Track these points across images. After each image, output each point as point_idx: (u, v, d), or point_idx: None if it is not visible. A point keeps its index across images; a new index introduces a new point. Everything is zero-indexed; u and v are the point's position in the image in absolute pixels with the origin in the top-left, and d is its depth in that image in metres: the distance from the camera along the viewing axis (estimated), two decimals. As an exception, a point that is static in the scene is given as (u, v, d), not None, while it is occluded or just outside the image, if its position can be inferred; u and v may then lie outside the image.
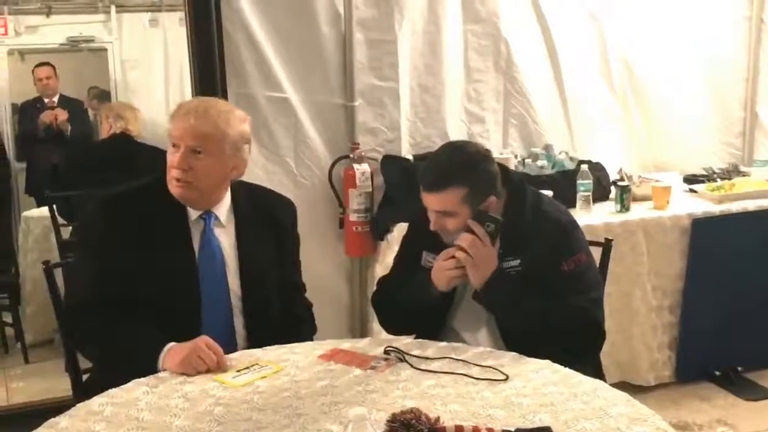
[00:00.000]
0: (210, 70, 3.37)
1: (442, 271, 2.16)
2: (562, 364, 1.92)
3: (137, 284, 2.06)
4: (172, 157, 2.10)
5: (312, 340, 2.31)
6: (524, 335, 2.11)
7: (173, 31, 5.42)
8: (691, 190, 3.95)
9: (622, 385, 3.53)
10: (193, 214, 2.17)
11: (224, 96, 3.38)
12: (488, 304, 2.18)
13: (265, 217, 2.27)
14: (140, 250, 2.08)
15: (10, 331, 4.51)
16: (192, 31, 3.39)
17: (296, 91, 3.61)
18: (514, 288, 2.14)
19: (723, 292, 3.63)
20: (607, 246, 2.54)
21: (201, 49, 3.38)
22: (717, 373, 3.73)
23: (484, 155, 2.20)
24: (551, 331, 2.10)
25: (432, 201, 2.15)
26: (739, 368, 3.74)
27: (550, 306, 2.12)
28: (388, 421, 1.47)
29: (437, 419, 1.50)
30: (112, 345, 2.05)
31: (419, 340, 2.15)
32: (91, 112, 5.86)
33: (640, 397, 3.51)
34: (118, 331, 2.04)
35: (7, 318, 4.51)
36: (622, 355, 3.60)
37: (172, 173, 2.10)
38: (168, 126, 2.12)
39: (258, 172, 3.53)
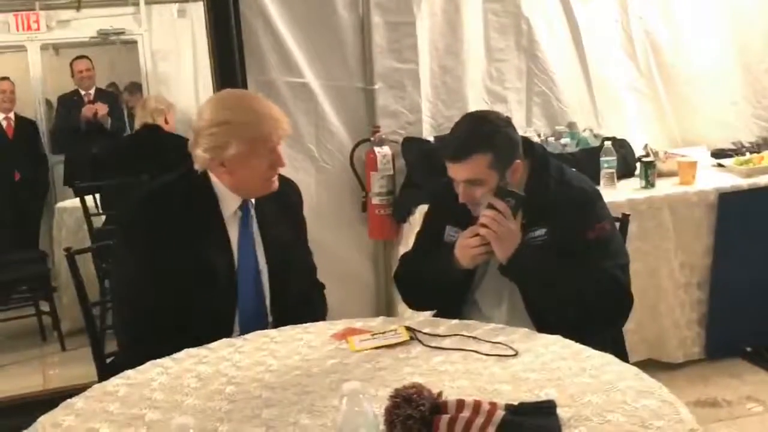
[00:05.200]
0: (229, 57, 3.41)
1: (466, 248, 2.17)
2: (585, 334, 1.92)
3: (178, 277, 2.09)
4: (278, 158, 2.17)
5: (325, 318, 2.34)
6: (551, 305, 2.13)
7: (202, 21, 5.43)
8: (719, 165, 3.88)
9: (651, 363, 3.52)
10: (233, 204, 2.19)
11: (244, 83, 3.42)
12: (515, 277, 2.19)
13: (279, 200, 2.29)
14: (183, 243, 2.11)
15: (47, 320, 4.61)
16: (211, 19, 3.44)
17: (316, 76, 3.64)
18: (540, 259, 2.15)
19: (753, 266, 3.57)
20: (624, 221, 2.52)
21: (220, 36, 3.43)
22: (748, 349, 3.67)
23: (506, 121, 2.22)
24: (578, 298, 2.10)
25: (458, 171, 2.16)
26: (771, 345, 3.69)
27: (576, 274, 2.12)
28: (390, 396, 1.48)
29: (439, 394, 1.50)
30: None
31: (432, 318, 2.16)
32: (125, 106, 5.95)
33: (669, 375, 3.53)
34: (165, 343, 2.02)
35: (44, 307, 4.62)
36: (650, 333, 3.57)
37: (277, 173, 2.19)
38: (252, 134, 2.11)
39: (280, 156, 3.56)
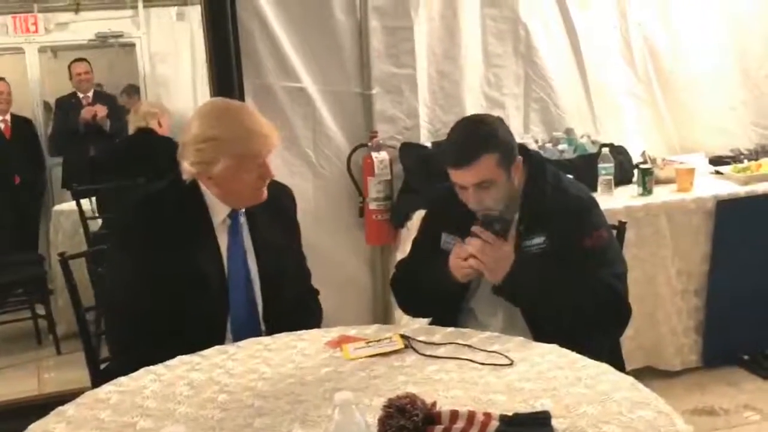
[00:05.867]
0: (226, 60, 3.40)
1: (457, 267, 2.16)
2: (582, 343, 1.90)
3: (169, 285, 2.08)
4: (267, 171, 2.15)
5: (320, 326, 2.32)
6: (548, 315, 2.12)
7: (200, 24, 5.45)
8: (717, 172, 3.87)
9: (648, 371, 3.51)
10: (222, 212, 2.18)
11: (241, 87, 3.41)
12: (509, 297, 2.18)
13: (271, 205, 2.27)
14: (174, 250, 2.10)
15: (42, 323, 4.60)
16: (208, 23, 3.43)
17: (313, 80, 3.63)
18: (534, 276, 2.12)
19: (750, 274, 3.56)
20: (621, 229, 2.50)
21: (217, 39, 3.41)
22: (745, 357, 3.66)
23: (500, 120, 2.24)
24: (575, 310, 2.09)
25: (467, 176, 2.13)
26: (769, 352, 3.68)
27: (572, 287, 2.11)
28: (384, 406, 1.47)
29: (433, 404, 1.49)
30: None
31: (427, 326, 2.15)
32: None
33: (666, 383, 3.52)
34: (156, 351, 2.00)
35: (40, 310, 4.61)
36: (647, 340, 3.55)
37: (265, 184, 2.17)
38: (241, 150, 2.10)
39: (277, 162, 3.50)
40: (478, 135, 2.15)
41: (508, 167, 2.15)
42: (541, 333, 2.10)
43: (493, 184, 2.14)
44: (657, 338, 3.58)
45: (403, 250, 3.61)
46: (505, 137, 2.17)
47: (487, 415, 1.47)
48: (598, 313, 2.12)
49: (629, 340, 3.31)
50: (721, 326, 3.61)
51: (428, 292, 2.27)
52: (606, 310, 2.15)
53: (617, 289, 2.18)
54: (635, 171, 3.72)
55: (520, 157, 2.19)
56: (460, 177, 2.15)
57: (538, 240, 2.17)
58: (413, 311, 2.49)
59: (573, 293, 2.10)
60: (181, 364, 1.93)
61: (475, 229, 2.12)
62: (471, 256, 2.11)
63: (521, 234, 2.18)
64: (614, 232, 2.47)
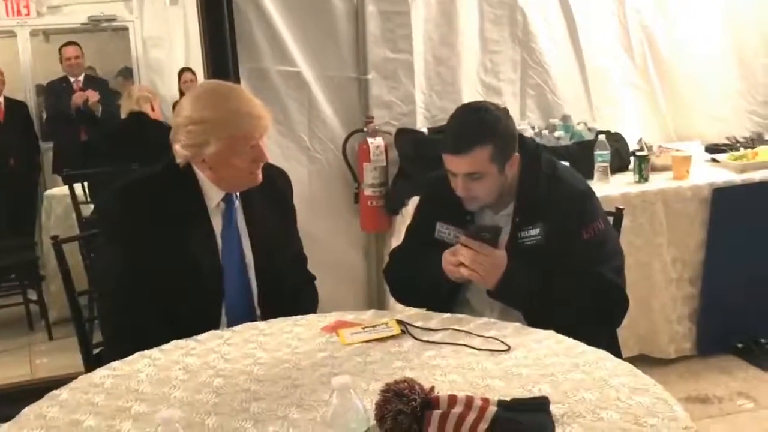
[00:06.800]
0: (221, 44, 3.37)
1: (450, 272, 2.14)
2: (579, 334, 1.88)
3: (162, 270, 2.06)
4: (260, 153, 2.11)
5: (315, 310, 2.30)
6: (545, 312, 2.09)
7: (194, 9, 5.40)
8: (713, 160, 3.87)
9: (642, 358, 3.51)
10: (216, 196, 2.16)
11: (236, 71, 3.38)
12: (504, 301, 2.17)
13: (266, 189, 2.24)
14: (162, 235, 2.08)
15: (34, 308, 4.58)
16: (203, 6, 3.38)
17: (309, 65, 3.60)
18: (529, 281, 2.10)
19: (745, 262, 3.55)
20: (618, 215, 2.49)
21: (212, 23, 3.38)
22: (739, 345, 3.66)
23: (504, 112, 2.18)
24: (574, 306, 2.07)
25: (459, 164, 2.11)
26: (762, 340, 3.67)
27: (569, 283, 2.08)
28: (381, 390, 1.45)
29: (431, 389, 1.48)
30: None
31: (423, 311, 2.14)
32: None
33: (660, 370, 3.52)
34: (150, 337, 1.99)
35: (32, 295, 4.59)
36: (642, 328, 3.55)
37: (260, 166, 2.13)
38: (231, 132, 2.06)
39: (272, 146, 3.51)
40: (476, 125, 2.11)
41: (502, 162, 2.12)
42: (538, 325, 2.07)
43: (483, 176, 2.11)
44: (651, 326, 3.57)
45: (398, 236, 3.58)
46: (506, 131, 2.13)
47: (485, 400, 1.46)
48: (597, 308, 2.10)
49: (624, 328, 3.21)
50: (716, 314, 3.62)
51: (421, 284, 2.25)
52: (605, 305, 2.14)
53: (617, 283, 2.17)
54: (632, 158, 3.71)
55: (516, 154, 2.15)
56: (452, 164, 2.13)
57: (534, 232, 2.15)
58: (406, 301, 2.46)
59: (571, 291, 2.08)
60: (176, 348, 1.91)
61: (462, 240, 2.09)
62: (462, 264, 2.09)
63: (516, 225, 2.16)
64: (611, 219, 2.46)
